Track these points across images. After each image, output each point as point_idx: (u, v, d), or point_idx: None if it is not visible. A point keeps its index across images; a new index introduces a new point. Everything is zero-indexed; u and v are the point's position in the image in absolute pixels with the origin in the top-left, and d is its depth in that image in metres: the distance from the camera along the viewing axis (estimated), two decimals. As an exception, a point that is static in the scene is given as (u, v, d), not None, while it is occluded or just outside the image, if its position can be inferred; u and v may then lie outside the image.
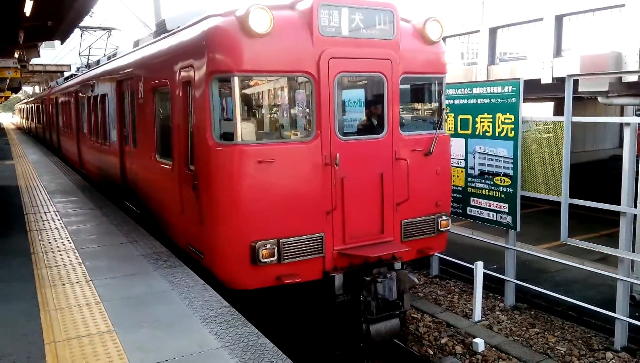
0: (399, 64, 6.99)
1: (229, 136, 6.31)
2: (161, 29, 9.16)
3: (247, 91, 6.72)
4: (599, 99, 11.70)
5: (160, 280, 6.55)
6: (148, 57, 9.16)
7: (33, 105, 38.52)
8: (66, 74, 28.93)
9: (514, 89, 8.99)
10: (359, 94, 7.65)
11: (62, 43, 21.96)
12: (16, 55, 22.22)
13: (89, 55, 22.01)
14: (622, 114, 16.36)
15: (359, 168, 6.80)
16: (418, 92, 7.99)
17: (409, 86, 7.67)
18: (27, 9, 12.83)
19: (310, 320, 7.19)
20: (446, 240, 7.99)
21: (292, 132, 6.95)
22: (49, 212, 10.73)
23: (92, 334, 5.05)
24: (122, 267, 7.06)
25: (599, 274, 9.13)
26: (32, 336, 5.05)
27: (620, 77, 11.21)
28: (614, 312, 8.23)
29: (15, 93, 60.21)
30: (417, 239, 7.45)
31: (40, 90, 49.25)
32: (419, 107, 8.29)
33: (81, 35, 23.04)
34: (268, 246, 6.26)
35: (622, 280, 8.20)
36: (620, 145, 18.81)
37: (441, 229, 7.65)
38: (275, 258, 6.31)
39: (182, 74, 7.01)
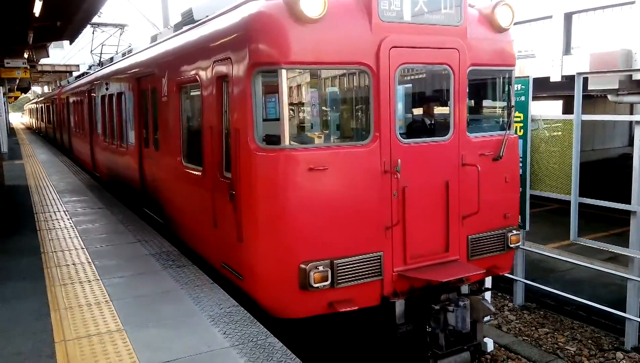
0: (467, 55, 6.14)
1: (274, 139, 5.51)
2: (187, 19, 8.18)
3: (296, 87, 5.92)
4: (609, 97, 11.61)
5: (169, 279, 6.57)
6: (172, 51, 8.30)
7: (43, 105, 38.14)
8: (75, 73, 29.03)
9: (523, 87, 8.94)
10: (417, 89, 6.83)
11: (71, 43, 22.06)
12: (25, 55, 22.37)
13: (101, 53, 21.58)
14: (631, 112, 16.23)
15: (421, 176, 5.96)
16: (484, 88, 7.05)
17: (475, 81, 6.68)
18: (37, 9, 12.90)
19: (365, 353, 6.17)
20: (513, 257, 7.15)
21: (345, 135, 6.19)
22: (59, 211, 10.80)
23: (101, 333, 5.08)
24: (131, 266, 7.09)
25: (608, 273, 9.06)
26: (43, 335, 5.09)
27: (631, 75, 11.11)
28: (624, 312, 8.17)
29: (25, 93, 60.64)
30: (485, 257, 6.55)
31: (49, 90, 49.59)
32: (485, 105, 7.32)
33: (93, 33, 22.83)
34: (320, 268, 5.39)
35: (632, 279, 8.14)
36: (630, 143, 18.68)
37: (511, 245, 6.73)
38: (329, 282, 5.43)
39: (217, 68, 6.22)
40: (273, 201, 5.43)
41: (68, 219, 9.98)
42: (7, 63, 20.94)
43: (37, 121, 47.27)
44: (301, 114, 6.08)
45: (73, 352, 4.72)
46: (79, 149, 19.55)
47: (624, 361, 7.92)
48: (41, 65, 33.61)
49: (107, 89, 13.13)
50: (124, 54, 13.72)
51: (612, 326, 8.98)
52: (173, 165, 8.01)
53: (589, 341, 8.58)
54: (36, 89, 65.14)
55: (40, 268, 7.07)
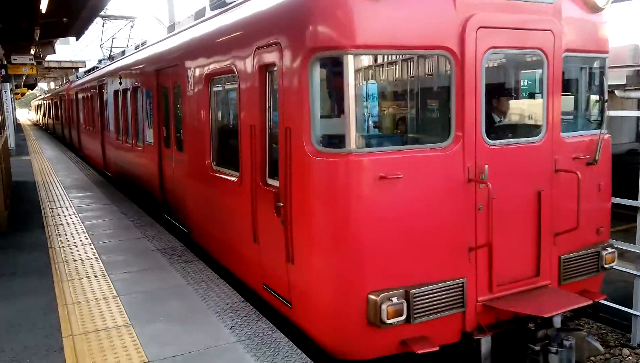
0: (562, 38, 5.19)
1: (336, 141, 4.60)
2: (217, 3, 7.11)
3: (364, 76, 4.95)
4: (616, 92, 11.55)
5: (176, 274, 6.60)
6: (200, 39, 7.33)
7: (51, 101, 37.72)
8: (81, 69, 29.03)
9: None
10: (498, 79, 5.79)
11: (77, 40, 22.15)
12: (32, 52, 22.46)
13: (111, 46, 21.07)
14: (639, 108, 16.13)
15: (510, 185, 5.00)
16: (575, 78, 5.99)
17: (565, 69, 5.60)
18: (43, 5, 12.95)
19: None
20: (602, 280, 6.16)
21: (421, 135, 5.28)
22: (66, 207, 10.85)
23: (109, 328, 5.11)
24: (138, 261, 7.12)
25: (615, 270, 9.02)
26: (50, 329, 5.13)
27: (638, 70, 11.05)
28: (631, 308, 8.15)
29: (31, 90, 61.00)
30: (577, 281, 5.59)
31: (55, 86, 49.74)
32: (574, 99, 6.17)
33: (103, 25, 22.43)
34: (394, 299, 4.41)
35: (639, 276, 8.11)
36: (638, 139, 18.53)
37: (605, 265, 5.77)
38: (404, 317, 4.46)
39: (260, 56, 5.30)
40: (335, 215, 4.51)
41: (75, 215, 10.03)
42: (14, 59, 21.04)
43: (45, 117, 47.26)
44: (368, 110, 5.11)
45: (81, 346, 4.75)
46: (89, 147, 18.80)
47: (630, 357, 7.89)
48: (47, 61, 33.72)
49: (120, 83, 12.37)
50: (137, 47, 13.00)
51: (619, 322, 8.96)
52: (200, 168, 7.15)
53: (595, 337, 8.55)
54: (42, 85, 65.43)
55: (48, 264, 7.11)
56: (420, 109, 5.39)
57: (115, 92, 12.93)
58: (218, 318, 5.30)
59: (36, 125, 59.80)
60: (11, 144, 22.52)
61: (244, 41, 5.74)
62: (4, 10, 13.29)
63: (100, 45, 22.73)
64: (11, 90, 28.66)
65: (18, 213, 10.36)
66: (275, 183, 5.11)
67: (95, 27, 22.07)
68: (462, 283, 4.80)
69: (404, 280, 4.56)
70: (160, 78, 9.08)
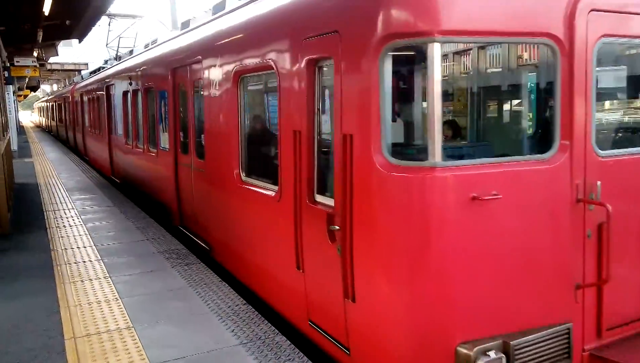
0: None
1: (415, 152, 3.87)
2: None
3: (449, 70, 4.16)
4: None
5: (178, 276, 6.60)
6: (228, 32, 6.49)
7: (54, 103, 37.18)
8: (84, 72, 29.04)
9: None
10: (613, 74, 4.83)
11: (80, 42, 22.24)
12: (35, 54, 22.56)
13: (118, 46, 20.61)
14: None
15: (626, 206, 4.10)
16: None
17: None
18: (46, 7, 13.01)
19: None
20: None
21: (516, 144, 4.36)
22: (68, 209, 10.87)
23: (111, 330, 5.11)
24: (140, 264, 7.12)
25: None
26: (53, 331, 5.13)
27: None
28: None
29: (34, 92, 61.16)
30: None
31: (58, 88, 49.86)
32: None
33: (109, 25, 22.10)
34: (492, 354, 3.50)
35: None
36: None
37: None
38: None
39: (309, 48, 4.43)
40: (414, 245, 3.62)
41: (77, 217, 10.05)
42: (17, 62, 21.15)
43: (48, 119, 47.15)
44: (458, 113, 4.21)
45: (83, 348, 4.75)
46: (95, 151, 17.95)
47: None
48: (50, 63, 33.89)
49: (130, 84, 11.59)
50: (147, 45, 12.27)
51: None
52: (225, 179, 6.34)
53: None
54: (45, 87, 65.63)
55: (50, 266, 7.12)
56: (513, 111, 4.50)
57: (125, 94, 12.31)
58: (220, 320, 5.29)
59: (39, 127, 59.97)
60: (14, 146, 22.60)
61: (286, 32, 4.89)
62: (7, 13, 13.34)
63: (107, 45, 22.35)
64: (14, 92, 28.79)
65: (21, 215, 10.38)
66: (329, 201, 4.26)
67: (98, 29, 21.84)
68: (569, 328, 3.86)
69: (500, 326, 3.65)
70: (176, 77, 8.34)
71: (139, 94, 10.76)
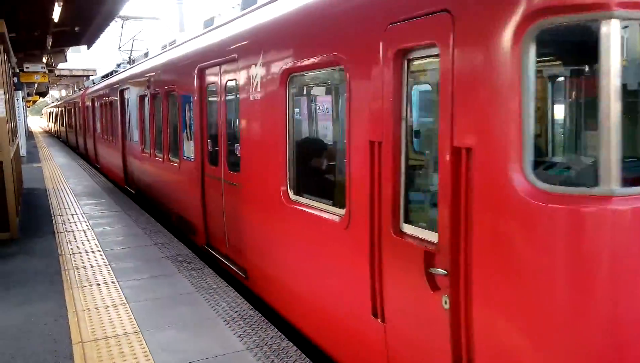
0: None
1: (571, 174, 3.05)
2: None
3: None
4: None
5: (185, 281, 6.61)
6: (275, 24, 5.50)
7: (64, 108, 36.67)
8: (92, 77, 29.17)
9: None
10: None
11: (88, 48, 22.40)
12: (44, 60, 22.75)
13: (131, 49, 20.15)
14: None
15: None
16: None
17: None
18: (55, 14, 13.13)
19: None
20: None
21: None
22: (76, 214, 10.93)
23: (118, 335, 5.12)
24: (148, 269, 7.15)
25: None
26: (60, 336, 5.14)
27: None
28: None
29: (43, 97, 61.67)
30: None
31: (66, 94, 50.20)
32: None
33: (122, 27, 21.94)
34: None
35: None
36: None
37: None
38: None
39: (397, 36, 3.46)
40: (581, 303, 2.60)
41: (85, 222, 10.10)
42: (26, 68, 21.32)
43: (57, 125, 47.09)
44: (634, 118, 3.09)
45: (90, 353, 4.77)
46: (107, 158, 16.96)
47: None
48: (59, 69, 34.12)
49: (148, 87, 10.71)
50: (164, 47, 11.30)
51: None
52: (268, 197, 5.43)
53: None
54: (54, 93, 66.11)
55: (58, 270, 7.15)
56: None
57: (141, 98, 11.42)
58: (227, 326, 5.30)
59: (47, 133, 60.37)
60: (23, 151, 22.77)
61: (361, 17, 3.93)
62: (17, 20, 13.46)
63: (119, 48, 22.18)
64: (23, 98, 29.01)
65: (29, 220, 10.44)
66: (426, 235, 3.33)
67: (107, 35, 21.83)
68: None
69: None
70: (204, 79, 7.44)
71: (158, 98, 9.95)
